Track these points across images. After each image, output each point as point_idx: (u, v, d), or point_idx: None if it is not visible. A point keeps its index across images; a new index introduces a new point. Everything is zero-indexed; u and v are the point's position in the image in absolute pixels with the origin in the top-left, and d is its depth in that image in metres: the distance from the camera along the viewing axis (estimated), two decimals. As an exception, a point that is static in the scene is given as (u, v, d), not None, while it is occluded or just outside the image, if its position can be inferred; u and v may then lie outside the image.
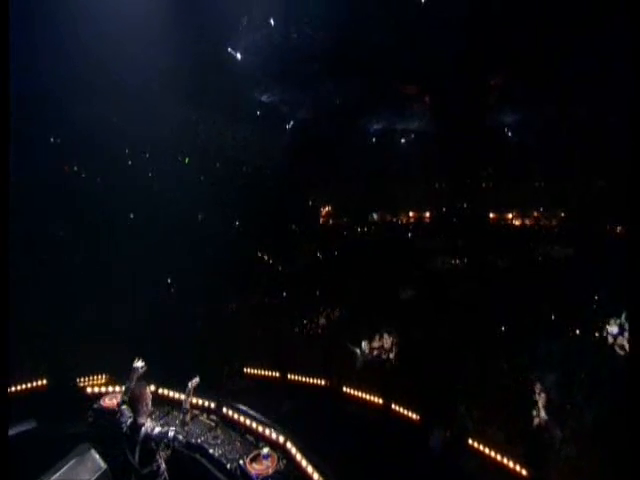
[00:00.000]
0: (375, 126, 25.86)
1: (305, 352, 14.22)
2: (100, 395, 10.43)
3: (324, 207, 28.85)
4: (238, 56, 18.81)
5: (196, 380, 6.69)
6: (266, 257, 22.98)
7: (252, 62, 19.70)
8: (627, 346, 11.46)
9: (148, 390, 6.38)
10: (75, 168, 24.99)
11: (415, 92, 22.00)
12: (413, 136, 26.43)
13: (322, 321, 15.61)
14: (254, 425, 9.34)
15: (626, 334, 12.28)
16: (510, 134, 24.94)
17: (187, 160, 24.96)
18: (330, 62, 19.67)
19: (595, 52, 18.44)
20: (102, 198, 21.21)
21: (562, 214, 25.77)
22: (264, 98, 23.26)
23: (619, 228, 24.32)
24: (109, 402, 9.77)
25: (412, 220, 28.22)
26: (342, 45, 18.44)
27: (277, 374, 13.96)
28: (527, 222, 26.19)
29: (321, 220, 28.47)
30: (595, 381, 9.68)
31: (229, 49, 18.63)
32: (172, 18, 15.87)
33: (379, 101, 23.25)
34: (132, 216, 24.28)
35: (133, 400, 6.09)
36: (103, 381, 12.71)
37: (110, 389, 10.82)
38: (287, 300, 17.79)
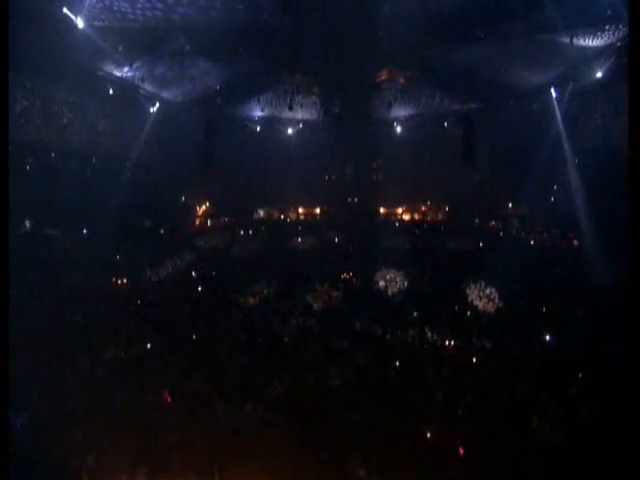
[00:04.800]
0: (258, 114, 22.43)
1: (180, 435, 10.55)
2: None
3: (200, 205, 24.84)
4: (79, 21, 13.55)
5: None
6: (121, 281, 17.30)
7: (99, 29, 14.57)
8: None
9: None
10: None
11: (305, 82, 19.26)
12: (301, 126, 23.80)
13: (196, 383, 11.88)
14: None
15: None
16: (399, 129, 24.03)
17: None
18: (204, 40, 15.63)
19: (478, 53, 17.93)
20: None
21: (447, 208, 26.17)
22: (118, 73, 17.97)
23: (492, 222, 25.69)
24: None
25: (302, 217, 26.05)
26: (220, 23, 14.61)
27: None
28: (416, 217, 26.06)
29: (197, 221, 24.44)
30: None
31: (64, 10, 13.22)
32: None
33: (264, 87, 19.91)
34: None
35: None
36: None
37: None
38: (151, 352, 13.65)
